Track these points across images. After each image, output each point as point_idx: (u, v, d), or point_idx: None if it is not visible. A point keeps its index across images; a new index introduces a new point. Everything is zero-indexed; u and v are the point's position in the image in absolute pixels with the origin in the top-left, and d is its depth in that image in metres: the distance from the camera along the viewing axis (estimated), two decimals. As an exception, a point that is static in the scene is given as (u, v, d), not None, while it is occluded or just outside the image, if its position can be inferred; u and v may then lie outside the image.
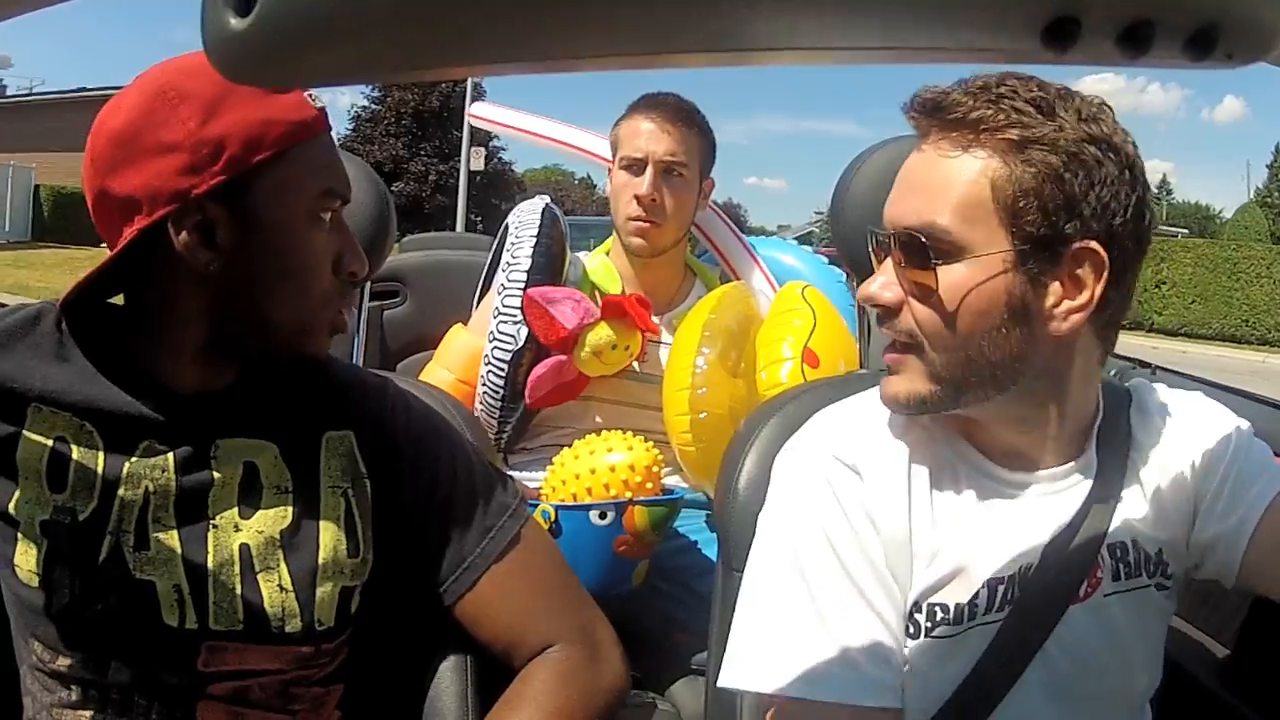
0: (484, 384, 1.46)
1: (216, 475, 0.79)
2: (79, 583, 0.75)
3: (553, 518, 1.20)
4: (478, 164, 18.78)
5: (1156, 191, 36.99)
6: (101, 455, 0.77)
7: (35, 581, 0.75)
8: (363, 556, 0.83)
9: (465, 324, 1.66)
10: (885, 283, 0.73)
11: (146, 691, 0.77)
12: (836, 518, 0.73)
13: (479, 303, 1.66)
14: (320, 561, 0.80)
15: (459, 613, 0.84)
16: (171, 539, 0.77)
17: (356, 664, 0.86)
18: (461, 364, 1.54)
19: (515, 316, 1.43)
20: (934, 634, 0.73)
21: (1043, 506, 0.75)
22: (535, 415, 1.52)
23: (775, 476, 0.81)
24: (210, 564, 0.77)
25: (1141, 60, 0.29)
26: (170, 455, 0.78)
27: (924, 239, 0.69)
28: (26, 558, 0.76)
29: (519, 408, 1.47)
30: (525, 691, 0.81)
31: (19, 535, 0.76)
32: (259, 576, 0.78)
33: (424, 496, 0.85)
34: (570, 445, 1.32)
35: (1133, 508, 0.76)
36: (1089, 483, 0.76)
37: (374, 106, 25.68)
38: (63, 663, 0.77)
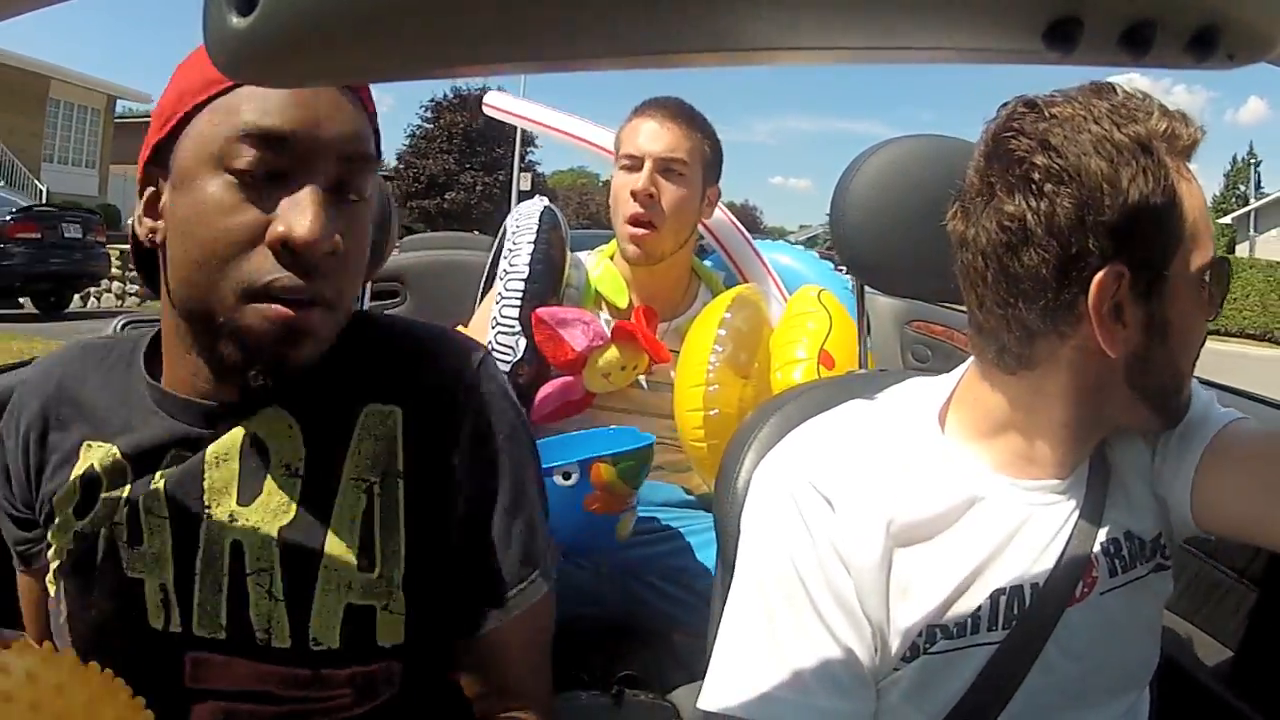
0: (483, 394, 1.45)
1: (213, 455, 0.69)
2: (76, 588, 0.73)
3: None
4: (525, 185, 21.36)
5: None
6: (128, 488, 0.72)
7: (54, 598, 0.75)
8: (380, 573, 0.69)
9: (464, 325, 1.65)
10: None
11: None
12: (805, 549, 0.73)
13: (480, 304, 1.65)
14: (321, 568, 0.68)
15: (467, 648, 0.76)
16: (163, 531, 0.69)
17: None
18: (460, 367, 1.53)
19: (513, 327, 1.38)
20: (932, 650, 0.72)
21: (1037, 517, 0.74)
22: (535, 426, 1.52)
23: (753, 489, 0.80)
24: (199, 561, 0.68)
25: (1143, 61, 0.29)
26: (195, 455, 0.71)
27: None
28: (50, 581, 0.75)
29: (518, 417, 1.46)
30: None
31: (48, 558, 0.75)
32: (249, 578, 0.68)
33: (471, 507, 0.73)
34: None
35: (1118, 501, 0.76)
36: (1083, 489, 0.75)
37: (427, 125, 28.67)
38: None
